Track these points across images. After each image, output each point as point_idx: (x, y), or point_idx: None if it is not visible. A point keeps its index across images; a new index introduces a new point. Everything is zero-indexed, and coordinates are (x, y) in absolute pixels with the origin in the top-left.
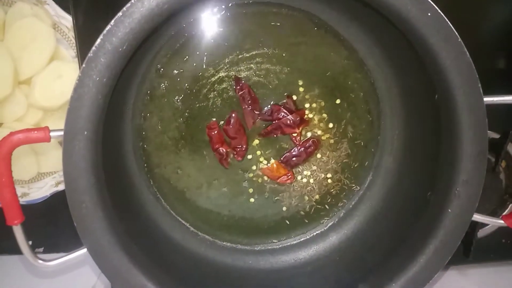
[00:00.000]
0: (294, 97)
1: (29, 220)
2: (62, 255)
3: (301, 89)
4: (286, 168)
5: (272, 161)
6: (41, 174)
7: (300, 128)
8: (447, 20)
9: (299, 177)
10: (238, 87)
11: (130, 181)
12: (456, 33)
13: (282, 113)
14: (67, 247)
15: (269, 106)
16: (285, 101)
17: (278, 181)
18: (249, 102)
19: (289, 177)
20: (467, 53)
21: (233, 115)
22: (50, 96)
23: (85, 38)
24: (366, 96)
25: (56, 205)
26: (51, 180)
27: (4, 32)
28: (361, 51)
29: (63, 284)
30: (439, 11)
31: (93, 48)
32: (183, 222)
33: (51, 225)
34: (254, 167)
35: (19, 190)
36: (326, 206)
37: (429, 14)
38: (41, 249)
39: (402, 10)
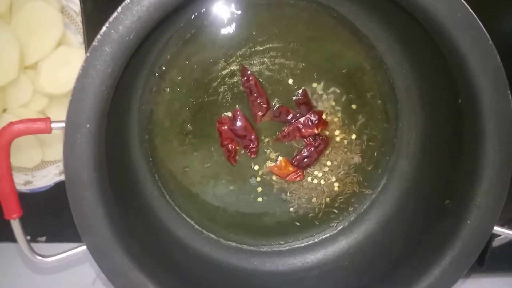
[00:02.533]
0: (310, 94)
1: (32, 209)
2: (63, 249)
3: (315, 86)
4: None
5: (280, 158)
6: (45, 162)
7: (319, 129)
8: (478, 21)
9: (309, 178)
10: (244, 79)
11: (134, 176)
12: (487, 35)
13: (291, 115)
14: (69, 237)
15: (277, 104)
16: (299, 97)
17: (287, 179)
18: (255, 95)
19: (298, 174)
20: (498, 56)
21: (238, 112)
22: (56, 82)
23: (93, 24)
24: (384, 96)
25: (59, 194)
26: (55, 169)
27: (11, 15)
28: (380, 48)
29: (61, 280)
30: (471, 10)
31: (98, 36)
32: (188, 219)
33: (54, 214)
34: (263, 166)
35: (22, 178)
36: (337, 209)
37: (459, 14)
38: (43, 238)
39: (430, 8)
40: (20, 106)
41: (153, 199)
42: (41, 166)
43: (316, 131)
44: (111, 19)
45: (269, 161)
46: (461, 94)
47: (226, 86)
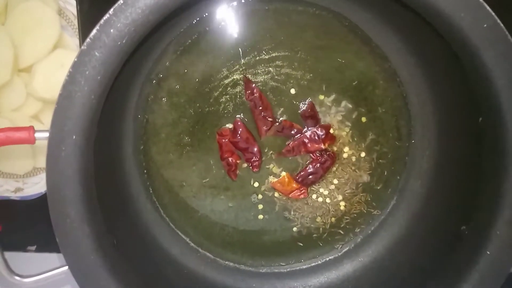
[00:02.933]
0: (317, 106)
1: (22, 217)
2: (52, 260)
3: (322, 98)
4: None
5: (283, 173)
6: (37, 169)
7: (326, 145)
8: (506, 32)
9: (314, 196)
10: (249, 91)
11: (126, 189)
12: None
13: (295, 129)
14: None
15: (282, 118)
16: (305, 110)
17: (290, 196)
18: (260, 109)
19: (302, 191)
20: None
21: (239, 123)
22: (51, 87)
23: (89, 27)
24: (396, 111)
25: None
26: None
27: (5, 15)
28: (394, 60)
29: None
30: (499, 21)
31: (87, 40)
32: (183, 236)
33: (45, 223)
34: (265, 181)
35: (13, 185)
36: (342, 230)
37: (485, 25)
38: (33, 247)
39: (454, 18)
40: (13, 110)
41: (146, 214)
42: (32, 173)
43: (323, 146)
44: (102, 21)
45: (271, 177)
46: (482, 112)
47: (228, 96)
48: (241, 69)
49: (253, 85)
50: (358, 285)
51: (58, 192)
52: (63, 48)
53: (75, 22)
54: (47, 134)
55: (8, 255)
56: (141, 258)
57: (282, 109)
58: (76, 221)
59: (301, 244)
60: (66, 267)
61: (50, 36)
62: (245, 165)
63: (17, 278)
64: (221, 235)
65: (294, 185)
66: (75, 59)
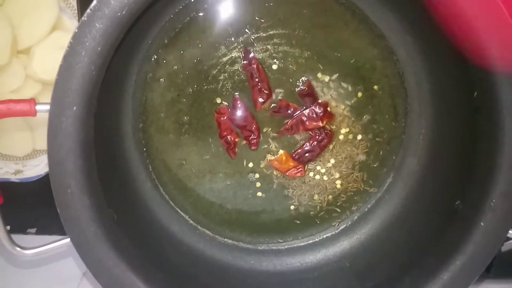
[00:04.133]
0: (315, 85)
1: (22, 199)
2: (47, 241)
3: (320, 76)
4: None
5: (281, 151)
6: (36, 151)
7: (324, 122)
8: (501, 4)
9: (311, 174)
10: (246, 62)
11: (126, 166)
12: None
13: (292, 109)
14: (61, 229)
15: (280, 94)
16: (302, 88)
17: (287, 174)
18: (257, 80)
19: (299, 170)
20: None
21: (238, 102)
22: (49, 68)
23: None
24: (393, 90)
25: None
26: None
27: None
28: (391, 39)
29: (43, 276)
30: None
31: (88, 11)
32: (182, 213)
33: (45, 205)
34: (263, 159)
35: (13, 167)
36: (339, 207)
37: None
38: (33, 230)
39: None
40: (11, 91)
41: (146, 192)
42: (32, 155)
43: (321, 124)
44: None
45: (269, 155)
46: (477, 87)
47: (226, 74)
48: (239, 47)
49: (251, 55)
50: (355, 262)
51: (59, 163)
52: (61, 30)
53: (74, 3)
54: (47, 107)
55: None
56: (140, 234)
57: (280, 87)
58: (77, 192)
59: (299, 222)
60: (68, 240)
61: (49, 17)
62: (243, 142)
63: (18, 249)
64: (220, 213)
65: (291, 163)
66: (76, 30)
